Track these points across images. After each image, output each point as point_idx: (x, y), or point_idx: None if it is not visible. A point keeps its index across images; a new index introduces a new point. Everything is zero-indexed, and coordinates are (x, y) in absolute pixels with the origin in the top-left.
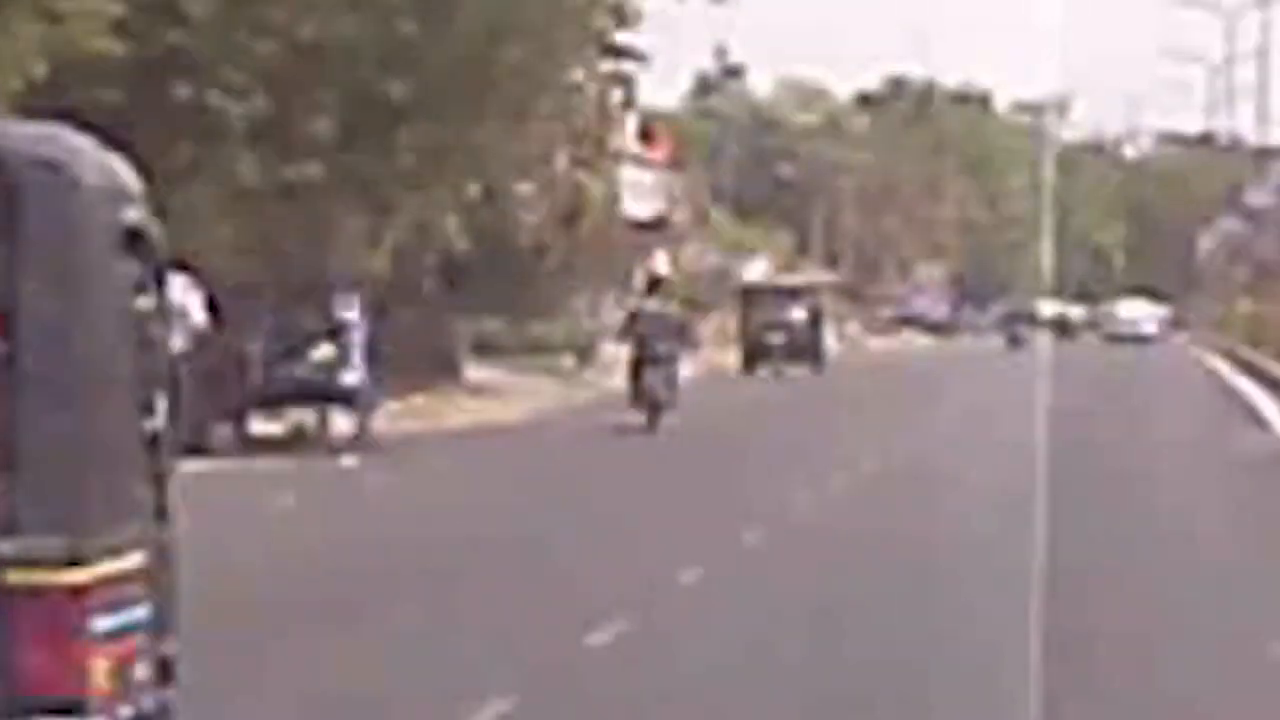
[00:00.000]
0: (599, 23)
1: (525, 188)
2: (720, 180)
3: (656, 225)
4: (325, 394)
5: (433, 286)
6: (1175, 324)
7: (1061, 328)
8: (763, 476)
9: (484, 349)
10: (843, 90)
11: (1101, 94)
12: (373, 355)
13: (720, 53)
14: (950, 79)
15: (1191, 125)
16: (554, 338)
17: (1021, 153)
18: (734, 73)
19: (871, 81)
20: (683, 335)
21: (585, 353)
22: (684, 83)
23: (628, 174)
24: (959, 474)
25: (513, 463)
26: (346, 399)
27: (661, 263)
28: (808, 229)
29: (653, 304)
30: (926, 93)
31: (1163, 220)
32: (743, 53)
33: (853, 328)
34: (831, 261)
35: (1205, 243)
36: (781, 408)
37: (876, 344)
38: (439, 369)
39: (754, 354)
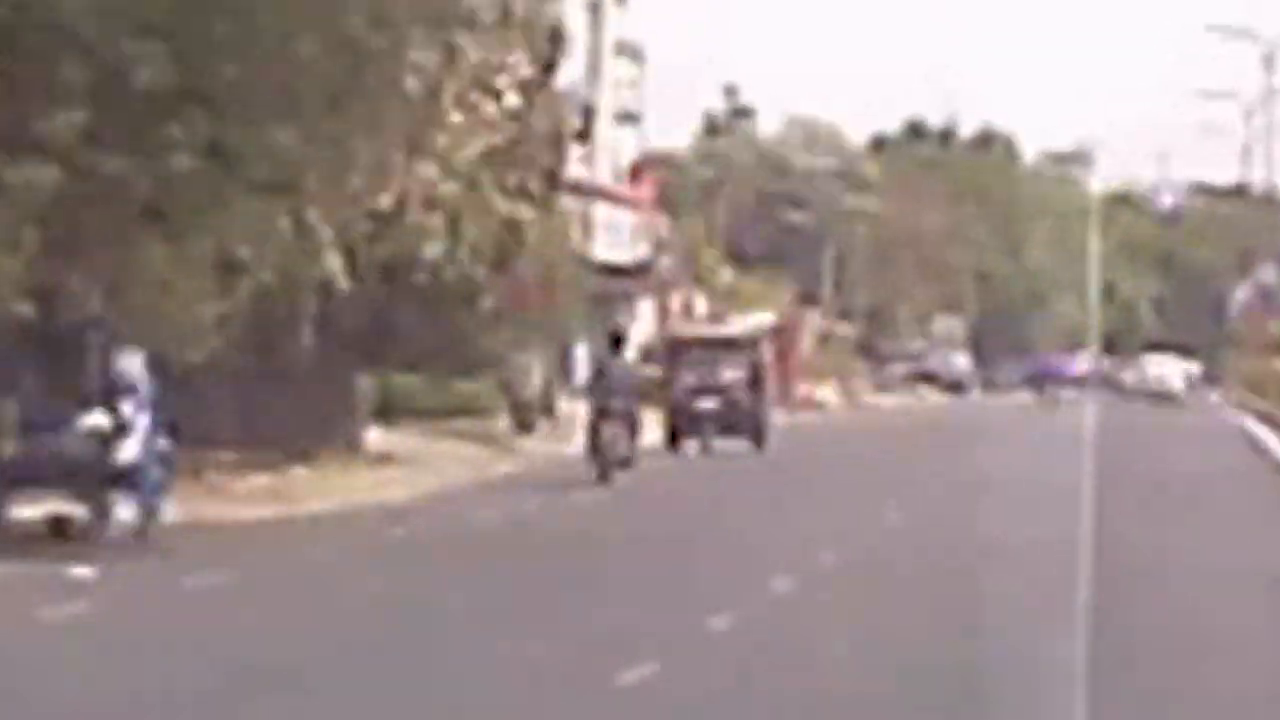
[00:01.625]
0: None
1: (422, 217)
2: (719, 225)
3: (637, 271)
4: (96, 473)
5: (315, 336)
6: (1207, 380)
7: (1084, 384)
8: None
9: (396, 411)
10: (857, 133)
11: (1131, 144)
12: (161, 424)
13: (729, 92)
14: (970, 124)
15: (1224, 176)
16: (483, 398)
17: (1047, 202)
18: (743, 114)
19: (888, 125)
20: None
21: (525, 414)
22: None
23: (603, 214)
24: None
25: (340, 571)
26: (123, 480)
27: (628, 318)
28: (816, 278)
29: (620, 359)
30: (946, 137)
31: (1193, 273)
32: (754, 94)
33: (861, 384)
34: (843, 313)
35: (1239, 296)
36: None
37: (888, 402)
38: (333, 435)
39: (679, 425)
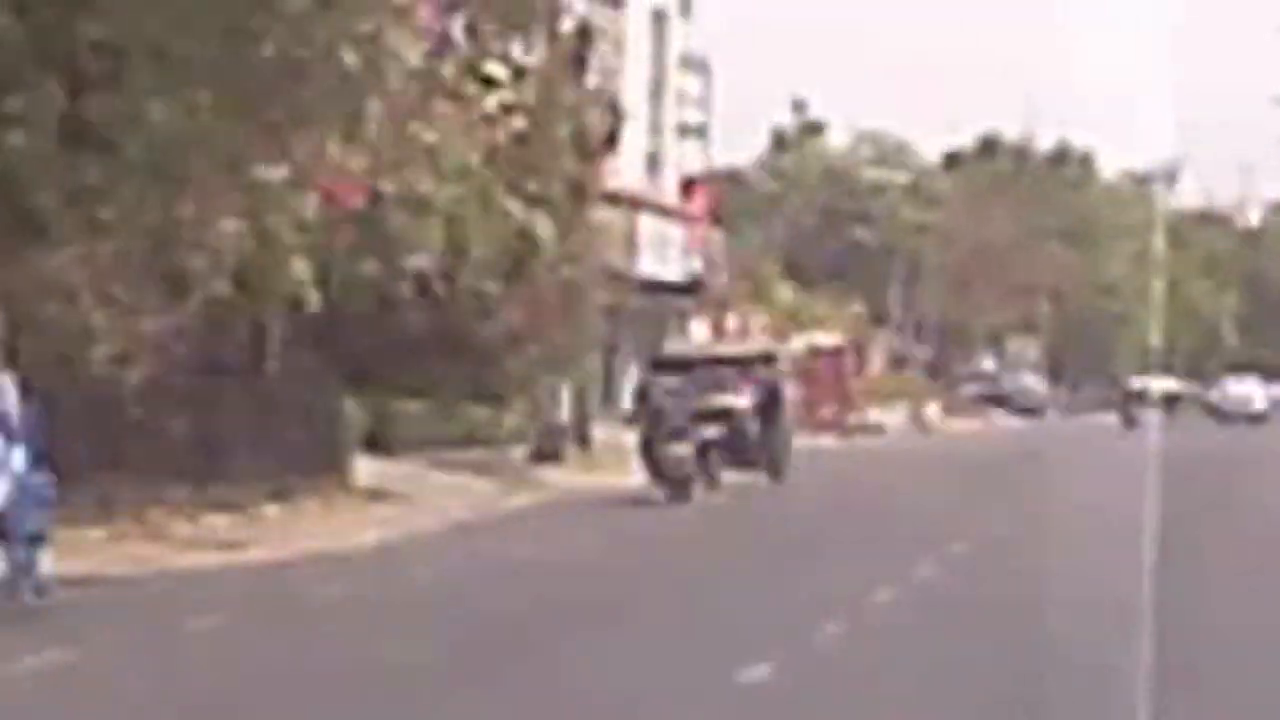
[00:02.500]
0: None
1: (405, 223)
2: (781, 242)
3: (688, 289)
4: None
5: (288, 357)
6: None
7: (1170, 404)
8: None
9: (394, 441)
10: (930, 149)
11: (1213, 160)
12: (41, 460)
13: (798, 107)
14: (1047, 140)
15: None
16: (499, 426)
17: (1127, 219)
18: (813, 129)
19: (961, 140)
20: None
21: (551, 442)
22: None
23: (650, 228)
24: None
25: (217, 641)
26: None
27: (679, 338)
28: (883, 297)
29: (670, 380)
30: (1021, 153)
31: (1277, 291)
32: (825, 109)
33: (931, 409)
34: (915, 333)
35: None
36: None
37: (957, 426)
38: (314, 468)
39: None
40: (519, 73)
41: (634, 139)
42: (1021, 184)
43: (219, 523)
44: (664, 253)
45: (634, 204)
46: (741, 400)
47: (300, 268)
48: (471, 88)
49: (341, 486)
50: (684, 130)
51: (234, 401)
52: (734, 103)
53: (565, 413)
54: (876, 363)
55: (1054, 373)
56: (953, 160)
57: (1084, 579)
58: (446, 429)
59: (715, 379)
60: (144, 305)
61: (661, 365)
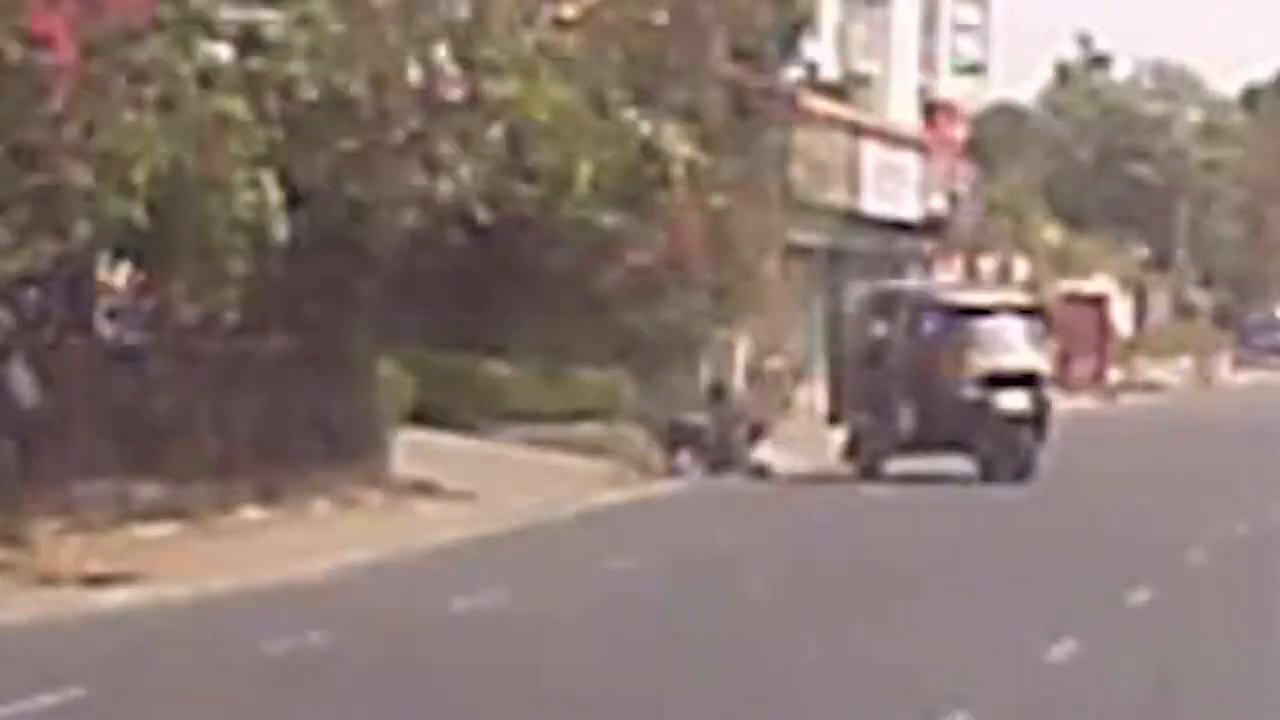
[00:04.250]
0: None
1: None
2: (1046, 179)
3: (928, 228)
4: None
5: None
6: None
7: None
8: None
9: (470, 414)
10: (1223, 84)
11: None
12: None
13: (1084, 41)
14: None
15: None
16: (613, 396)
17: None
18: (1099, 62)
19: (1260, 74)
20: None
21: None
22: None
23: (880, 158)
24: None
25: None
26: None
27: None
28: (1167, 241)
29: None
30: None
31: None
32: (1112, 42)
33: (1217, 362)
34: (1204, 280)
35: None
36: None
37: (1245, 380)
38: (339, 454)
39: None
40: None
41: (904, 71)
42: None
43: (153, 535)
44: (898, 187)
45: (857, 130)
46: (1044, 361)
47: (259, 194)
48: None
49: (370, 479)
50: (962, 67)
51: (188, 369)
52: (1015, 35)
53: (739, 375)
54: (1159, 311)
55: None
56: (1251, 96)
57: None
58: (548, 399)
59: (995, 331)
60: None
61: (887, 305)
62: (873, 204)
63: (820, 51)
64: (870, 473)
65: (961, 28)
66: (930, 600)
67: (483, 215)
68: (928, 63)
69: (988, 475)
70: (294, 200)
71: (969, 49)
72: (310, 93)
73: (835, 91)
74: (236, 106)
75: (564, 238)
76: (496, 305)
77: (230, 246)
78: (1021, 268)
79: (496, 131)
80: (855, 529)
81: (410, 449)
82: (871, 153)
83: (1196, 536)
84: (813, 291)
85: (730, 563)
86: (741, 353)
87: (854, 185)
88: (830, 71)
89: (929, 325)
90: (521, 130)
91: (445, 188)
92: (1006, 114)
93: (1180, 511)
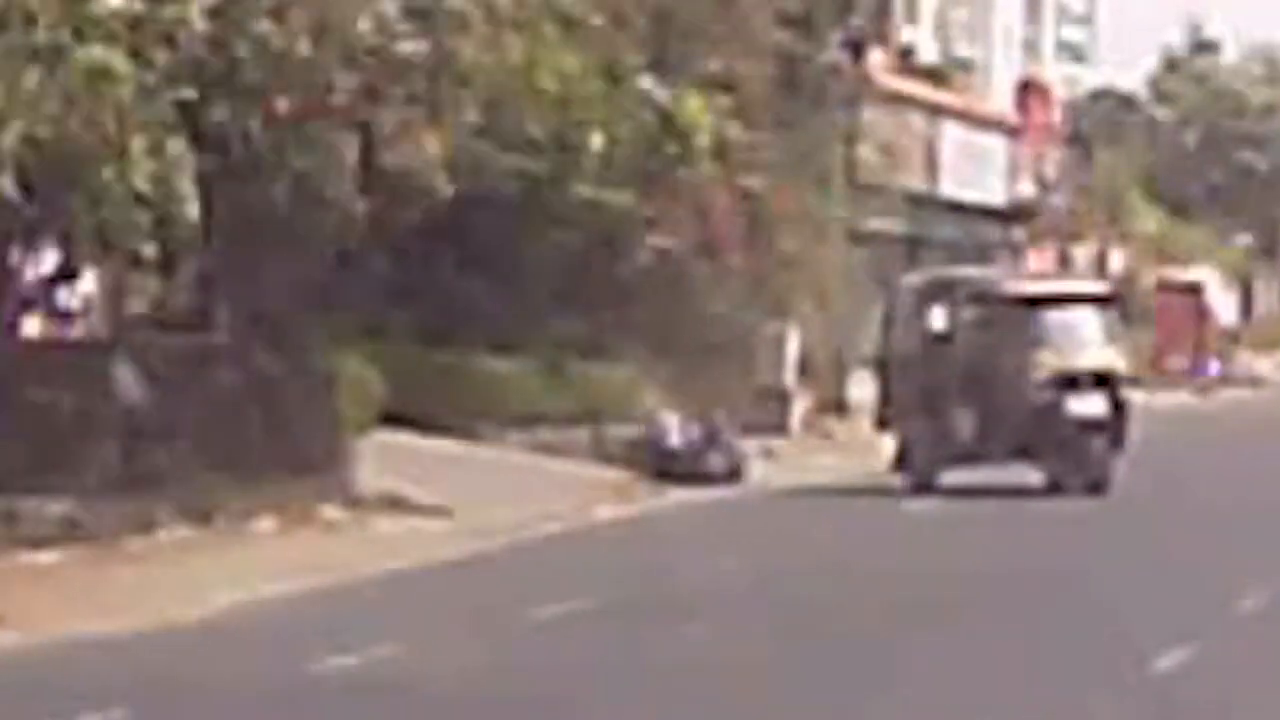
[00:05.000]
0: None
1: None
2: (1145, 164)
3: (1015, 215)
4: None
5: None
6: None
7: None
8: None
9: (465, 415)
10: None
11: None
12: None
13: (1192, 26)
14: None
15: None
16: (628, 397)
17: None
18: (1206, 48)
19: None
20: None
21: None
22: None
23: (958, 138)
24: None
25: None
26: None
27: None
28: (1274, 230)
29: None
30: None
31: None
32: (1223, 28)
33: None
34: None
35: None
36: None
37: None
38: (297, 465)
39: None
40: None
41: (1006, 57)
42: None
43: (36, 563)
44: (981, 172)
45: (934, 109)
46: (1121, 358)
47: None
48: None
49: (328, 492)
50: (1065, 50)
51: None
52: (1121, 21)
53: (789, 374)
54: (1264, 302)
55: None
56: None
57: None
58: (555, 399)
59: (1065, 325)
60: None
61: (942, 295)
62: (951, 188)
63: (918, 35)
64: (923, 486)
65: (1067, 13)
66: (961, 639)
67: (442, 187)
68: (1031, 49)
69: (1057, 488)
70: (228, 173)
71: (1074, 35)
72: (240, 48)
73: (933, 76)
74: (115, 59)
75: (573, 219)
76: (496, 294)
77: (131, 225)
78: (1118, 257)
79: (466, 96)
80: (879, 557)
81: (387, 456)
82: (951, 134)
83: None
84: (889, 282)
85: (704, 602)
86: (793, 348)
87: (931, 168)
88: (929, 56)
89: (989, 318)
90: (505, 97)
91: (396, 159)
92: (1109, 100)
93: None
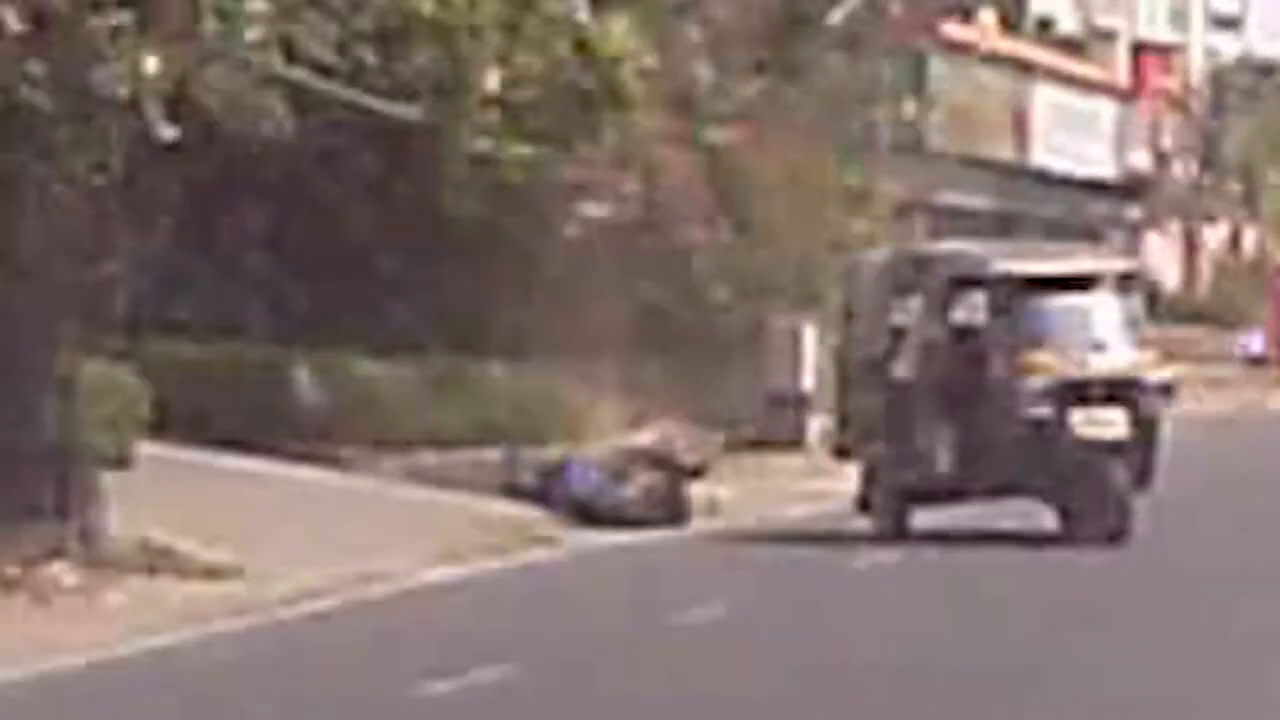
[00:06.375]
0: None
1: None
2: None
3: (1130, 190)
4: None
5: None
6: None
7: None
8: None
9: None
10: None
11: None
12: None
13: None
14: None
15: None
16: (544, 411)
17: None
18: None
19: None
20: None
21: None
22: None
23: (1056, 102)
24: None
25: None
26: None
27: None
28: None
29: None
30: None
31: None
32: None
33: None
34: None
35: None
36: None
37: None
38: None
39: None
40: None
41: (1150, 27)
42: None
43: None
44: (1084, 141)
45: (1023, 67)
46: (1150, 359)
47: None
48: None
49: (60, 545)
50: (1218, 21)
51: None
52: None
53: (809, 378)
54: None
55: None
56: None
57: None
58: (447, 413)
59: (1073, 316)
60: None
61: (913, 279)
62: (1045, 157)
63: (1056, 5)
64: (894, 529)
65: None
66: None
67: (157, 122)
68: (1179, 19)
69: (1069, 532)
70: None
71: (1225, 4)
72: None
73: (1072, 47)
74: None
75: (464, 180)
76: (365, 276)
77: None
78: (1252, 238)
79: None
80: (770, 637)
81: (167, 491)
82: (1045, 97)
83: None
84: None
85: None
86: (810, 347)
87: (1021, 136)
88: (1069, 26)
89: (975, 308)
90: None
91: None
92: (1250, 69)
93: None
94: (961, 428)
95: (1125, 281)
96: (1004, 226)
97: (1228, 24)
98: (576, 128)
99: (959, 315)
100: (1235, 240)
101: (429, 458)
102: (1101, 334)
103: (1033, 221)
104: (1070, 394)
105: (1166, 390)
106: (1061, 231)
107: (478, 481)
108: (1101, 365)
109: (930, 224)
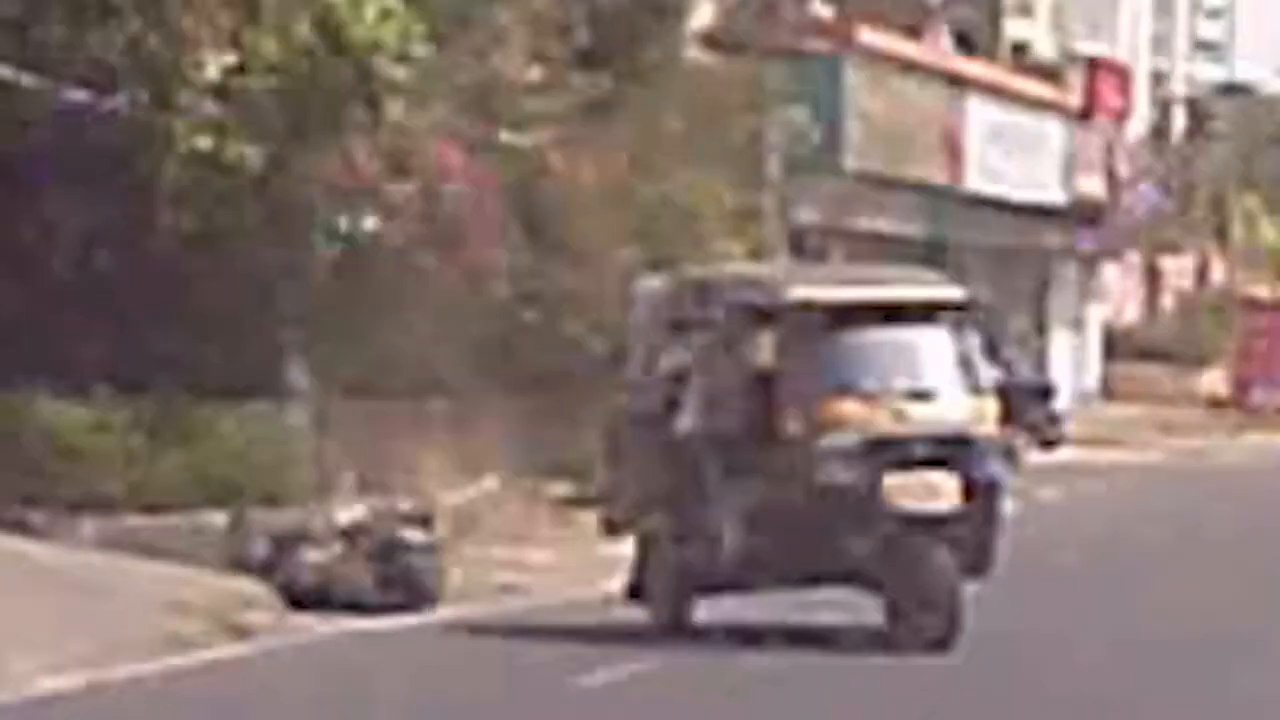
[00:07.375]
0: None
1: None
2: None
3: (1084, 217)
4: None
5: None
6: None
7: None
8: None
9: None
10: None
11: None
12: None
13: None
14: None
15: None
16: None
17: None
18: None
19: None
20: None
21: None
22: None
23: (997, 121)
24: None
25: None
26: None
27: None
28: None
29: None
30: None
31: None
32: None
33: None
34: None
35: None
36: None
37: None
38: None
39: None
40: None
41: (1133, 54)
42: None
43: None
44: (1026, 163)
45: (956, 80)
46: (986, 409)
47: None
48: None
49: None
50: (1200, 46)
51: None
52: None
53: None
54: None
55: None
56: None
57: None
58: (159, 465)
59: (887, 354)
60: None
61: (692, 310)
62: (979, 181)
63: (1032, 30)
64: (672, 621)
65: (1202, 8)
66: None
67: None
68: (1161, 45)
69: (891, 632)
70: None
71: (1209, 31)
72: None
73: (1048, 74)
74: None
75: (180, 185)
76: (56, 300)
77: None
78: (1219, 271)
79: None
80: None
81: None
82: (979, 115)
83: None
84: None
85: None
86: None
87: (953, 156)
88: (1045, 51)
89: (765, 345)
90: None
91: None
92: (1234, 94)
93: None
94: (749, 496)
95: (959, 313)
96: (939, 256)
97: (1210, 49)
98: (320, 125)
99: (748, 355)
100: (1203, 274)
101: (137, 521)
102: (926, 379)
103: (971, 249)
104: (883, 454)
105: (1008, 452)
106: (1006, 262)
107: (199, 551)
108: (926, 417)
109: (849, 252)
